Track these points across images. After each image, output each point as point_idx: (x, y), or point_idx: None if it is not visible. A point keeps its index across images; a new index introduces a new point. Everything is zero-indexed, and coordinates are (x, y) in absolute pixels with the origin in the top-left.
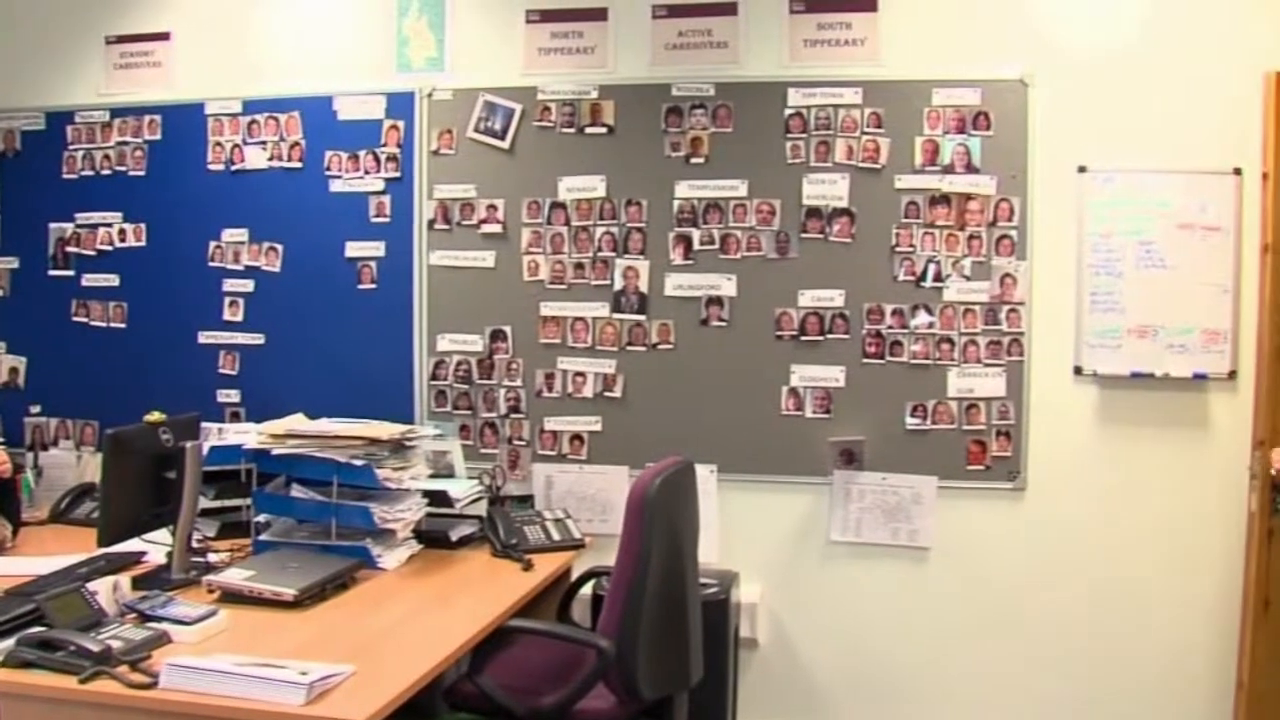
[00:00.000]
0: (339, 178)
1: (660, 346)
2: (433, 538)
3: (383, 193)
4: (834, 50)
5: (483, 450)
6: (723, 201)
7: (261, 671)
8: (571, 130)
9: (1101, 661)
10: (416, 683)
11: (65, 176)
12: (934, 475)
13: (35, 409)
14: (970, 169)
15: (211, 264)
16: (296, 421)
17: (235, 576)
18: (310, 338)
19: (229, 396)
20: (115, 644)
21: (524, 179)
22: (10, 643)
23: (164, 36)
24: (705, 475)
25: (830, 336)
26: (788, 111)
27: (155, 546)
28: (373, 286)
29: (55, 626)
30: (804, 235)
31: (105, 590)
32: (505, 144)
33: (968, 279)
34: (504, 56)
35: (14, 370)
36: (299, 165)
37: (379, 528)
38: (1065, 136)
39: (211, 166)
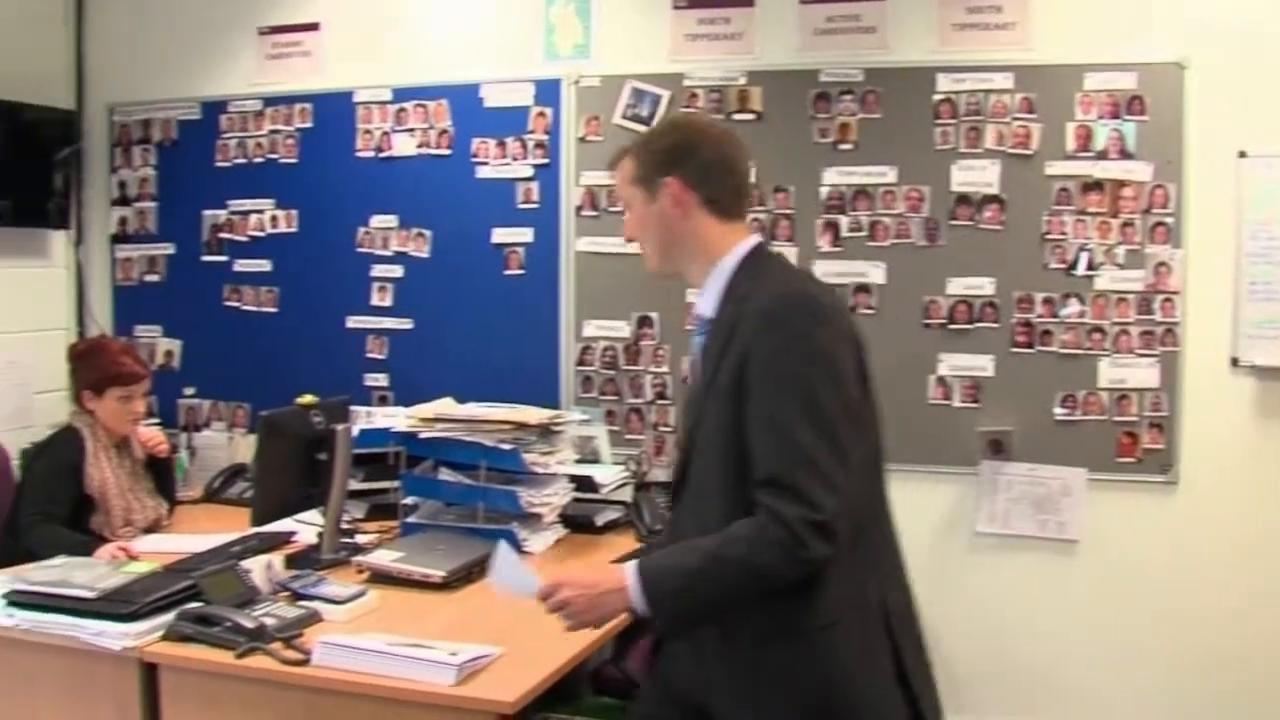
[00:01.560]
0: (486, 164)
1: None
2: (578, 522)
3: (530, 179)
4: (984, 34)
5: (628, 436)
6: (871, 188)
7: (412, 651)
8: (719, 117)
9: (1253, 666)
10: (563, 666)
11: (219, 164)
12: (1083, 467)
13: (189, 391)
14: (1124, 155)
15: (360, 249)
16: (445, 406)
17: (384, 558)
18: (457, 323)
19: (377, 381)
20: (269, 621)
21: None
22: (170, 617)
23: (314, 27)
24: None
25: (979, 325)
26: (937, 97)
27: (305, 527)
28: (520, 272)
29: (212, 603)
30: (953, 222)
31: (259, 569)
32: None
33: (1120, 267)
34: (651, 43)
35: (169, 353)
36: (447, 152)
37: (525, 512)
38: (1224, 120)
39: (361, 153)
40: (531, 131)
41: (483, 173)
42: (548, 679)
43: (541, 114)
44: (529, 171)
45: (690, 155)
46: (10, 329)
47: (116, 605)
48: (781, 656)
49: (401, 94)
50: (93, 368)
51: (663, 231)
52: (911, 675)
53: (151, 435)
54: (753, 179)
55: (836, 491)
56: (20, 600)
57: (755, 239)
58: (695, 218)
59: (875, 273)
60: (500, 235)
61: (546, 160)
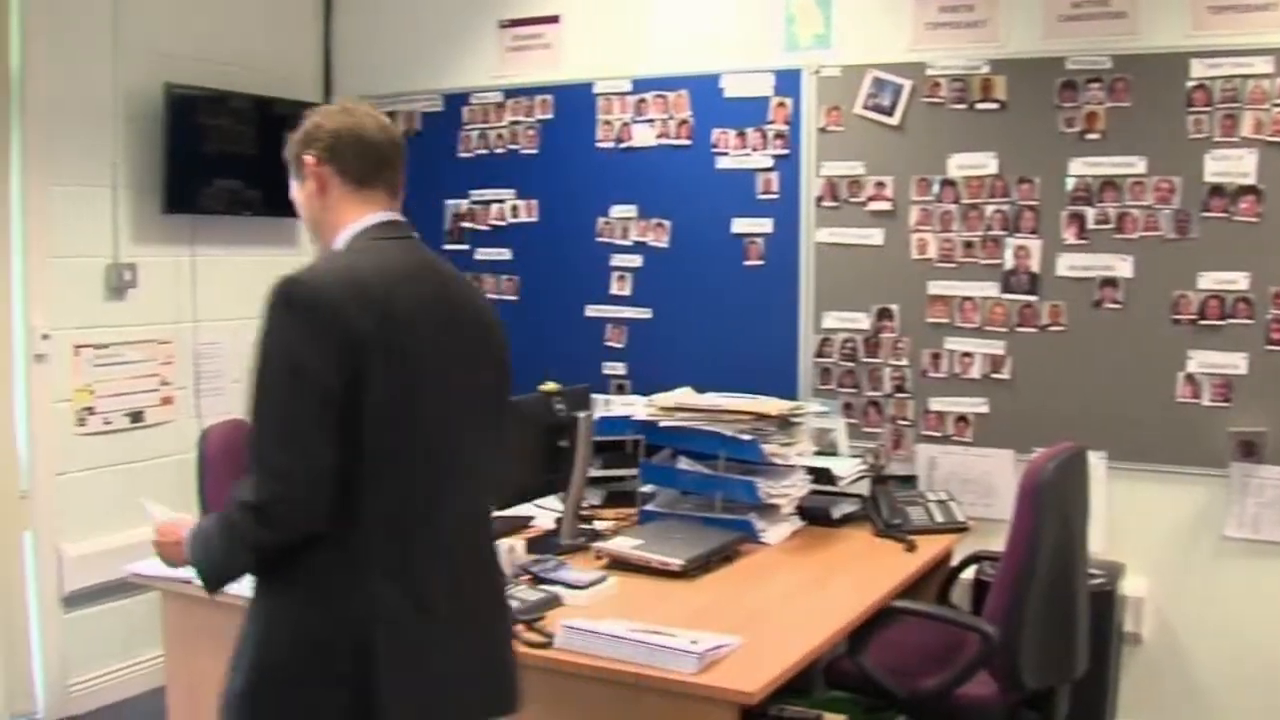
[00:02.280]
0: (726, 154)
1: (1051, 328)
2: (814, 515)
3: (770, 169)
4: (1243, 16)
5: (866, 429)
6: (1119, 179)
7: (654, 638)
8: (962, 106)
9: None
10: (804, 658)
11: (461, 155)
12: None
13: None
14: None
15: (600, 239)
16: (685, 395)
17: (623, 545)
18: (696, 313)
19: (615, 369)
20: (512, 603)
21: (913, 156)
22: None
23: (554, 19)
24: (1095, 462)
25: (1232, 321)
26: (1190, 83)
27: (544, 512)
28: (759, 263)
29: None
30: (1205, 214)
31: (502, 552)
32: (894, 120)
33: None
34: (891, 32)
35: None
36: (687, 142)
37: (763, 502)
38: None
39: (601, 144)
40: (771, 122)
41: (722, 163)
42: (788, 670)
43: (781, 104)
44: (769, 162)
45: (318, 131)
46: (259, 314)
47: None
48: (250, 622)
49: (641, 85)
50: None
51: (308, 210)
52: (385, 686)
53: None
54: (995, 170)
55: (285, 481)
56: None
57: (381, 215)
58: (331, 192)
59: (1122, 266)
60: (740, 226)
61: (786, 151)
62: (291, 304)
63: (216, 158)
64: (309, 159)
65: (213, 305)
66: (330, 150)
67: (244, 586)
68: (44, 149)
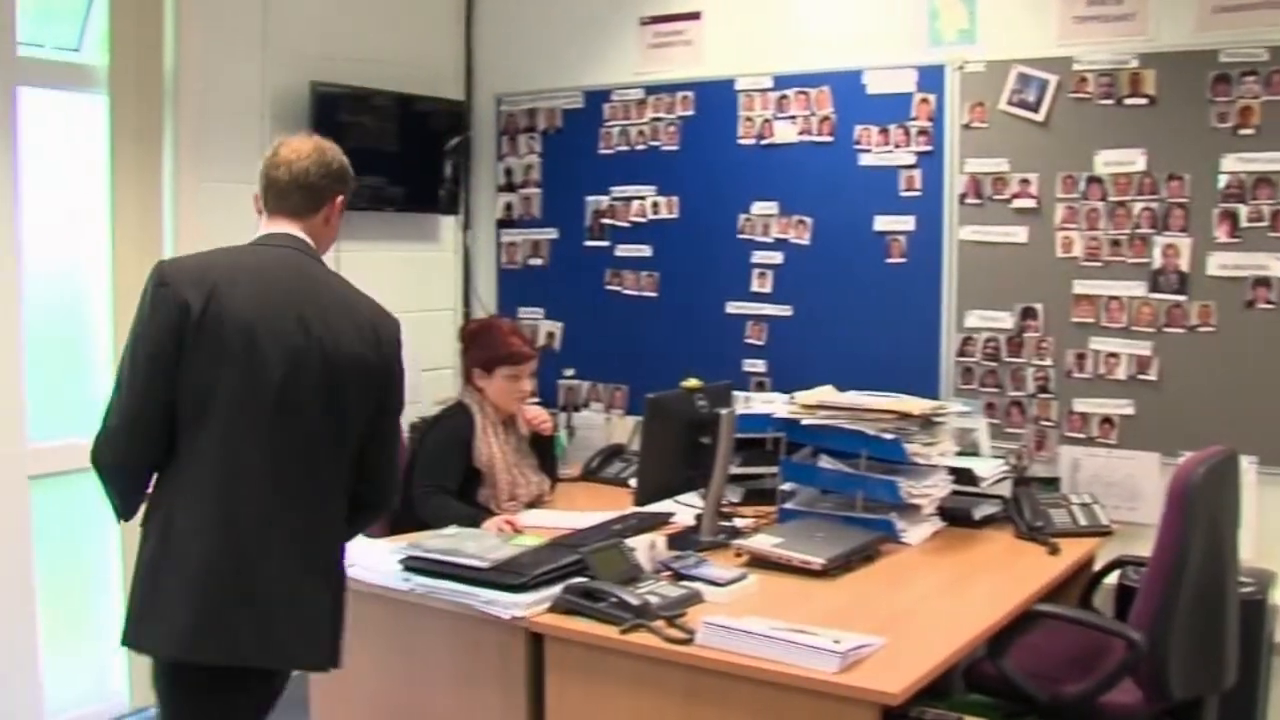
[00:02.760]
0: (868, 151)
1: (1200, 329)
2: (955, 515)
3: (913, 166)
4: None
5: (1008, 429)
6: (1274, 175)
7: (795, 636)
8: (1109, 102)
9: None
10: (947, 660)
11: (602, 152)
12: None
13: (569, 372)
14: None
15: (741, 236)
16: (827, 393)
17: (764, 542)
18: (837, 310)
19: (755, 366)
20: (653, 599)
21: (1058, 152)
22: (557, 590)
23: (695, 16)
24: (1245, 467)
25: None
26: None
27: (684, 508)
28: (902, 261)
29: (597, 578)
30: None
31: (643, 547)
32: (1039, 116)
33: None
34: (1037, 27)
35: (551, 335)
36: (829, 139)
37: (905, 502)
38: None
39: (742, 141)
40: (914, 118)
41: (865, 160)
42: (930, 672)
43: (925, 100)
44: (911, 159)
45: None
46: (401, 309)
47: (507, 576)
48: None
49: (783, 81)
50: (484, 347)
51: None
52: (169, 588)
53: (537, 414)
54: (1144, 166)
55: (108, 420)
56: (415, 566)
57: (274, 229)
58: (260, 215)
59: (1277, 265)
60: (882, 223)
61: (930, 147)
62: (150, 278)
63: (359, 155)
64: (256, 196)
65: None
66: (261, 184)
67: (391, 575)
68: (195, 146)
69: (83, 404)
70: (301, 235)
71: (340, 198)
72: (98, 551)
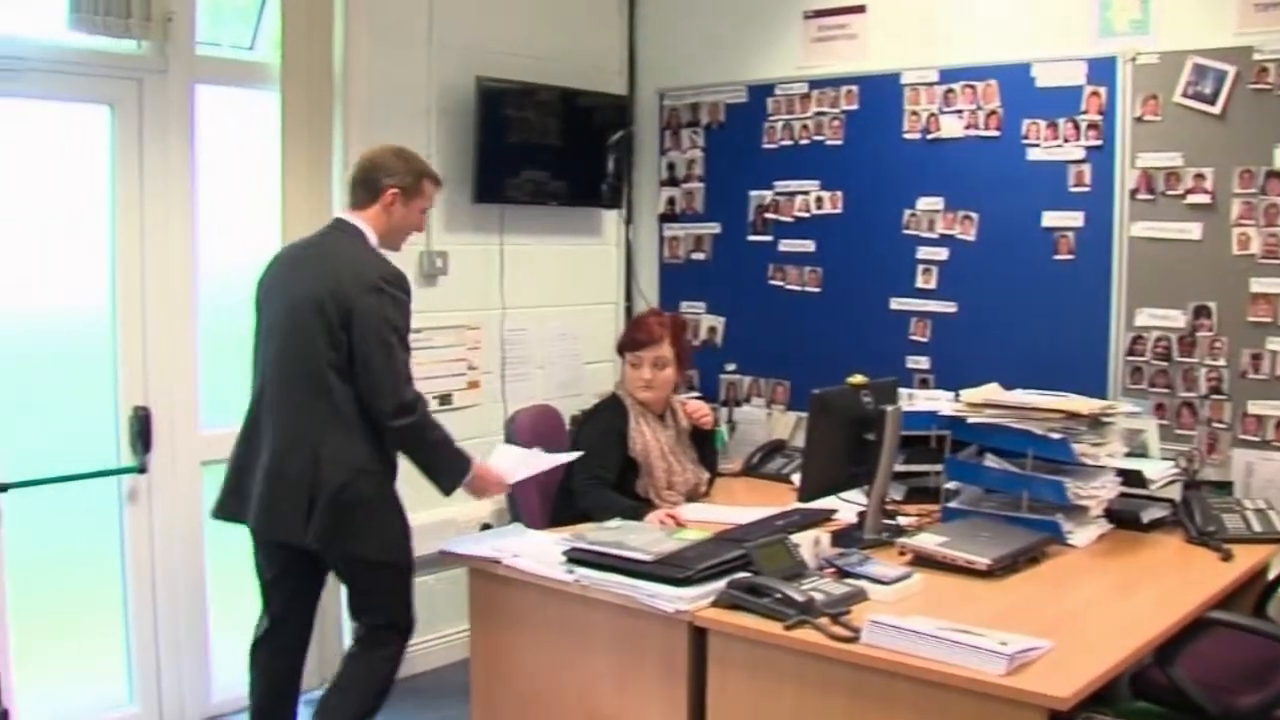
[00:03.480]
0: (1037, 146)
1: None
2: (1123, 518)
3: (1082, 161)
4: None
5: (1178, 431)
6: None
7: (962, 637)
8: None
9: None
10: (1116, 665)
11: (765, 146)
12: None
13: (730, 367)
14: None
15: (906, 231)
16: (993, 391)
17: (928, 541)
18: (1002, 308)
19: (918, 363)
20: (818, 596)
21: (1236, 146)
22: (721, 584)
23: (859, 9)
24: None
25: None
26: None
27: (848, 505)
28: (1070, 257)
29: (762, 573)
30: None
31: (807, 544)
32: (1216, 109)
33: None
34: (1214, 16)
35: (713, 329)
36: (996, 133)
37: (1071, 503)
38: None
39: (907, 135)
40: (1084, 112)
41: (1033, 154)
42: (1100, 677)
43: (1095, 93)
44: (1081, 153)
45: None
46: (563, 302)
47: (671, 570)
48: None
49: (949, 75)
50: (622, 336)
51: None
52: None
53: (697, 407)
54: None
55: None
56: (579, 558)
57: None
58: None
59: None
60: (1050, 219)
61: (1100, 142)
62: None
63: (523, 149)
64: None
65: (519, 293)
66: None
67: (554, 566)
68: (364, 141)
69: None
70: (353, 220)
71: (391, 190)
72: None
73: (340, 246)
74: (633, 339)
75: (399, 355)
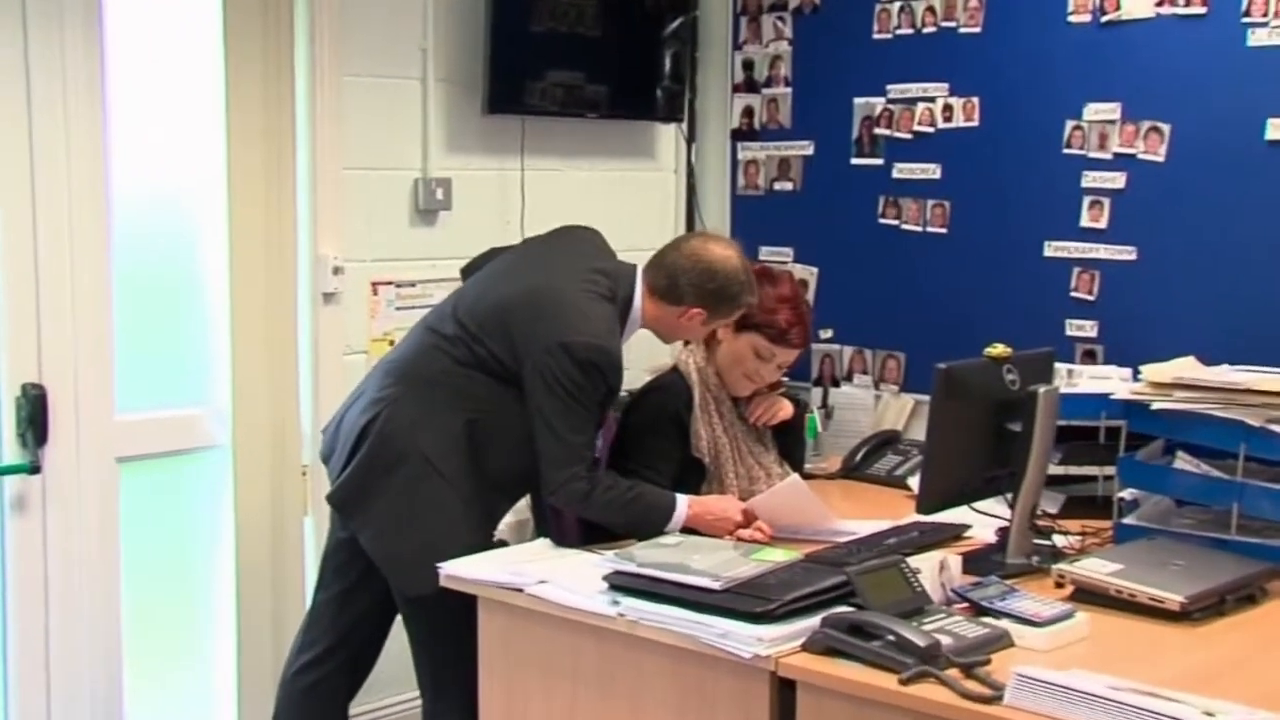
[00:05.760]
0: (1262, 26)
1: None
2: None
3: None
4: None
5: None
6: None
7: (1147, 703)
8: None
9: None
10: None
11: (876, 37)
12: None
13: (825, 334)
14: None
15: (1068, 150)
16: (1186, 367)
17: (1096, 569)
18: (1202, 254)
19: (1083, 329)
20: (945, 640)
21: None
22: (814, 621)
23: None
24: None
25: None
26: None
27: (984, 519)
28: None
29: (868, 607)
30: None
31: (930, 570)
32: None
33: None
34: None
35: (802, 283)
36: (1200, 10)
37: None
38: None
39: (1073, 18)
40: None
41: (1256, 38)
42: None
43: None
44: None
45: None
46: (614, 243)
47: (748, 601)
48: None
49: None
50: (755, 308)
51: None
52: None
53: (769, 406)
54: None
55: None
56: (625, 584)
57: None
58: None
59: None
60: (1278, 129)
61: None
62: None
63: (551, 41)
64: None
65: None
66: None
67: (592, 596)
68: (335, 31)
69: (187, 367)
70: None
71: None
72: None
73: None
74: (778, 328)
75: None
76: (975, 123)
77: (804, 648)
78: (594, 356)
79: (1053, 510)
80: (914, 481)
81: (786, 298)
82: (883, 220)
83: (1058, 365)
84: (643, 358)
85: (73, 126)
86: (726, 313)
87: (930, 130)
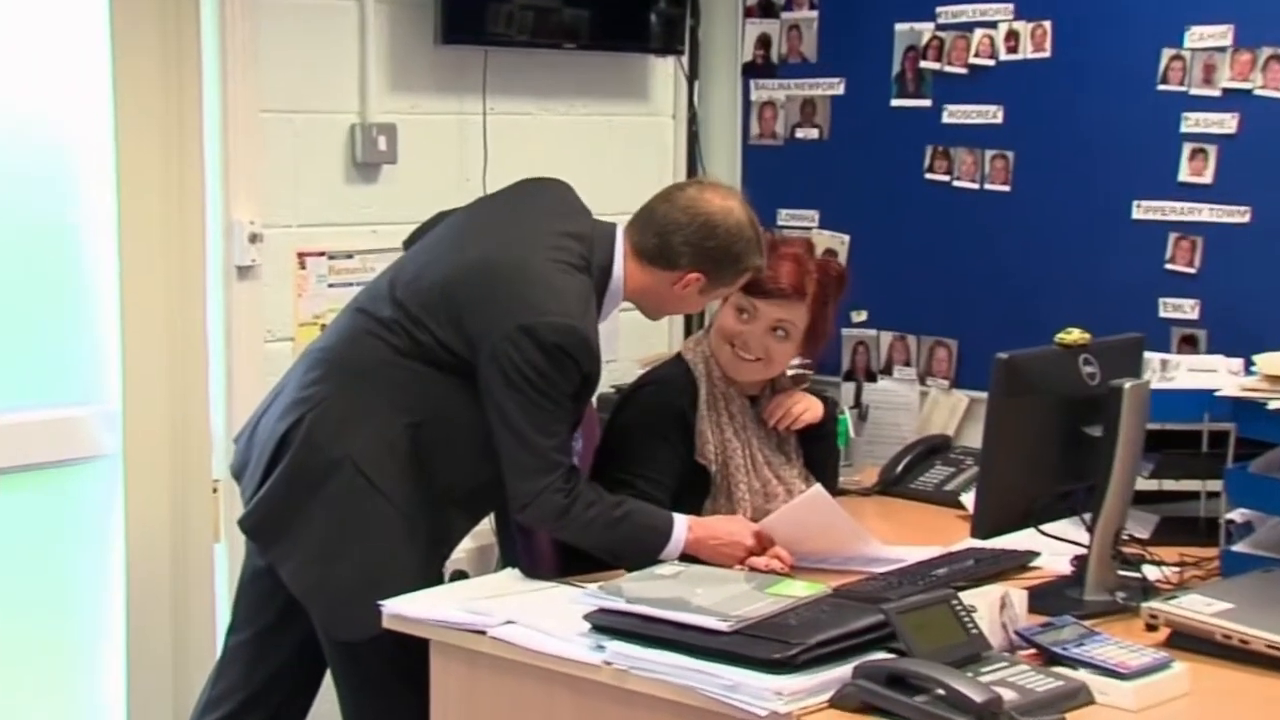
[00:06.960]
0: None
1: None
2: None
3: None
4: None
5: None
6: None
7: None
8: None
9: None
10: None
11: None
12: None
13: (857, 316)
14: None
15: (1163, 88)
16: None
17: (1197, 608)
18: None
19: (1181, 310)
20: (1007, 694)
21: None
22: (845, 670)
23: None
24: None
25: None
26: None
27: (1056, 546)
28: None
29: (912, 654)
30: None
31: (988, 607)
32: None
33: None
34: None
35: (830, 253)
36: None
37: None
38: None
39: None
40: None
41: None
42: None
43: None
44: None
45: None
46: (595, 205)
47: (763, 646)
48: None
49: None
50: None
51: None
52: None
53: (791, 406)
54: None
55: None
56: (612, 625)
57: None
58: None
59: None
60: None
61: None
62: None
63: None
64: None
65: None
66: None
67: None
68: None
69: (68, 359)
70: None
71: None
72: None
73: None
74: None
75: None
76: (1046, 53)
77: (832, 703)
78: (563, 340)
79: (1142, 534)
80: (968, 498)
81: (772, 242)
82: (930, 176)
83: (1148, 355)
84: (633, 346)
85: None
86: (730, 278)
87: (990, 63)
